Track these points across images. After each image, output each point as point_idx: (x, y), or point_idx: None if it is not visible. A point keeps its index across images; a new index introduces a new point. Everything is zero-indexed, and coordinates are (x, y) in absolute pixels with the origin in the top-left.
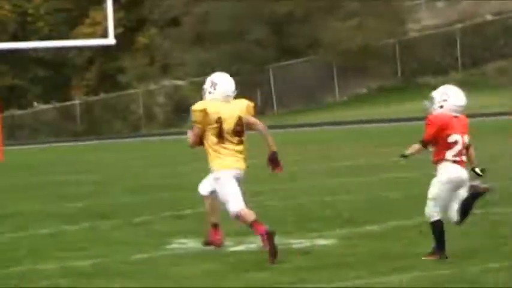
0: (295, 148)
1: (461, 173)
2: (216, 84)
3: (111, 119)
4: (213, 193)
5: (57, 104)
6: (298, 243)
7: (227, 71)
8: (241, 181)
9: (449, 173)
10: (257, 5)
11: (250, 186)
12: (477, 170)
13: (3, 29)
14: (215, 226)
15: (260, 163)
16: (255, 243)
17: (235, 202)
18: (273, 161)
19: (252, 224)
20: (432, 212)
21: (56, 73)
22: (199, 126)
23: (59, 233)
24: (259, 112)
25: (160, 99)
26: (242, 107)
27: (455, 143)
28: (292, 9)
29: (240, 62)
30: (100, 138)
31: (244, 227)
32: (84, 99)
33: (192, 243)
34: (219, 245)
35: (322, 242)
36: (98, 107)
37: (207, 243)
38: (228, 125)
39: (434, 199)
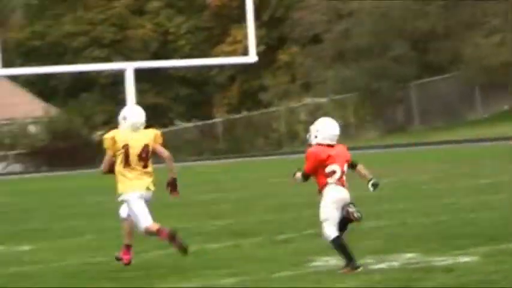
0: (438, 165)
1: (343, 193)
2: (126, 117)
3: (252, 137)
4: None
5: (199, 123)
6: (441, 260)
7: (368, 88)
8: (148, 200)
9: (332, 195)
10: (399, 22)
11: (394, 205)
12: (370, 183)
13: (145, 48)
14: (128, 247)
15: (397, 182)
16: (396, 261)
17: (144, 220)
18: (172, 185)
19: (157, 232)
20: (329, 232)
21: (198, 91)
22: (109, 152)
23: (201, 251)
24: (399, 129)
25: (302, 116)
26: (150, 136)
27: (334, 172)
28: (433, 26)
29: (381, 78)
30: (241, 156)
31: (382, 245)
32: (226, 117)
33: (334, 261)
34: (126, 263)
35: (465, 259)
36: (240, 125)
37: (117, 258)
38: (134, 151)
39: (326, 220)
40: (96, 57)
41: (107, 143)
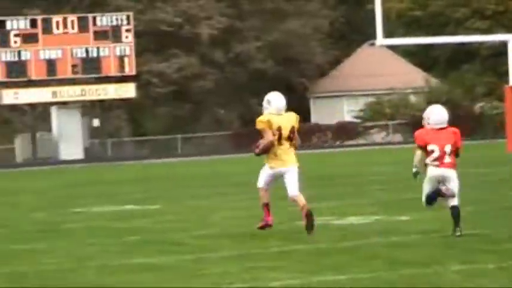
0: None
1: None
2: (269, 101)
3: None
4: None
5: None
6: None
7: None
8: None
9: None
10: None
11: None
12: None
13: None
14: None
15: None
16: None
17: (292, 190)
18: None
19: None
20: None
21: None
22: (269, 133)
23: None
24: None
25: None
26: (294, 119)
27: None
28: None
29: None
30: None
31: None
32: None
33: None
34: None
35: None
36: None
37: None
38: (285, 132)
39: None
40: (478, 28)
41: (263, 125)
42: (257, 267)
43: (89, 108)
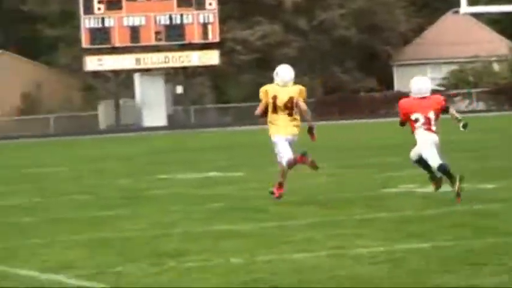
0: None
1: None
2: (277, 73)
3: None
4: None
5: None
6: None
7: None
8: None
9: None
10: None
11: None
12: (461, 124)
13: None
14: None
15: None
16: None
17: (285, 157)
18: (310, 132)
19: (299, 160)
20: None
21: None
22: (263, 101)
23: None
24: None
25: None
26: (296, 90)
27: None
28: None
29: None
30: None
31: None
32: None
33: None
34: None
35: None
36: None
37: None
38: (281, 101)
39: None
40: None
41: (261, 94)
42: (341, 234)
43: (172, 75)
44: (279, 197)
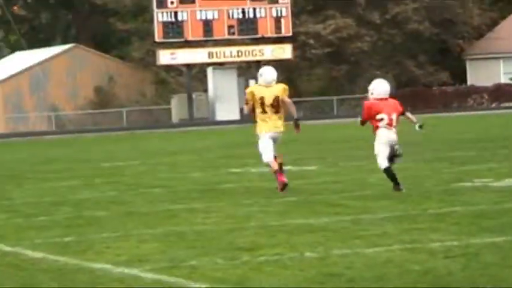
0: None
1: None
2: (261, 75)
3: None
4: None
5: None
6: None
7: None
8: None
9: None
10: None
11: None
12: (417, 126)
13: None
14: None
15: None
16: None
17: (266, 155)
18: (295, 124)
19: (275, 173)
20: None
21: None
22: (250, 102)
23: None
24: None
25: None
26: (279, 89)
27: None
28: None
29: None
30: None
31: None
32: None
33: None
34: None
35: None
36: None
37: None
38: (268, 101)
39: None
40: None
41: (247, 96)
42: (416, 228)
43: (244, 69)
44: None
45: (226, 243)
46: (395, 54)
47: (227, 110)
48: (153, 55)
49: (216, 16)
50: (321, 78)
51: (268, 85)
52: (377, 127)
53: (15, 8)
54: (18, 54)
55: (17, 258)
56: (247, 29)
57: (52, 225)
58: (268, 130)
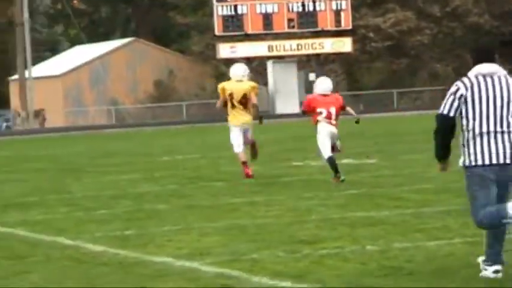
0: None
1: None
2: (230, 71)
3: None
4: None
5: None
6: None
7: None
8: (246, 132)
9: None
10: None
11: None
12: (355, 120)
13: None
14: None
15: None
16: None
17: (236, 147)
18: (260, 120)
19: (242, 164)
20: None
21: None
22: (221, 97)
23: None
24: None
25: None
26: (248, 87)
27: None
28: None
29: None
30: None
31: None
32: None
33: None
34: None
35: None
36: None
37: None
38: (236, 97)
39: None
40: None
41: (219, 91)
42: None
43: (304, 62)
44: (251, 176)
45: (287, 236)
46: (455, 47)
47: (287, 103)
48: (213, 49)
49: (275, 9)
50: (381, 72)
51: (239, 80)
52: (317, 121)
53: (74, 2)
54: (77, 48)
55: (77, 251)
56: (307, 22)
57: (112, 219)
58: (237, 123)
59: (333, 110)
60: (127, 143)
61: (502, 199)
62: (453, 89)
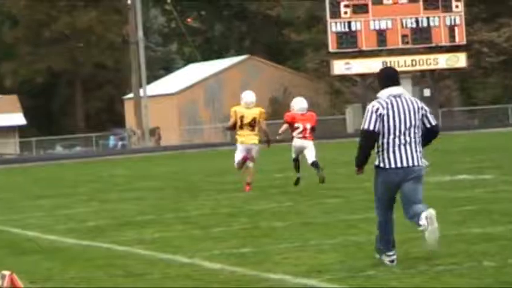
0: None
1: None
2: (242, 98)
3: None
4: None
5: None
6: None
7: None
8: (251, 150)
9: (294, 144)
10: None
11: None
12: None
13: None
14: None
15: None
16: None
17: (236, 162)
18: (267, 142)
19: (245, 182)
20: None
21: None
22: (232, 119)
23: None
24: None
25: None
26: (257, 112)
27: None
28: None
29: None
30: None
31: None
32: None
33: None
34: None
35: None
36: None
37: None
38: (246, 120)
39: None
40: None
41: (231, 113)
42: None
43: (419, 78)
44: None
45: (403, 252)
46: None
47: None
48: (327, 65)
49: (389, 25)
50: (495, 87)
51: (247, 107)
52: (292, 137)
53: (189, 20)
54: (192, 66)
55: (194, 269)
56: (421, 38)
57: (229, 237)
58: (242, 143)
59: (308, 126)
60: None
61: (415, 191)
62: (373, 108)
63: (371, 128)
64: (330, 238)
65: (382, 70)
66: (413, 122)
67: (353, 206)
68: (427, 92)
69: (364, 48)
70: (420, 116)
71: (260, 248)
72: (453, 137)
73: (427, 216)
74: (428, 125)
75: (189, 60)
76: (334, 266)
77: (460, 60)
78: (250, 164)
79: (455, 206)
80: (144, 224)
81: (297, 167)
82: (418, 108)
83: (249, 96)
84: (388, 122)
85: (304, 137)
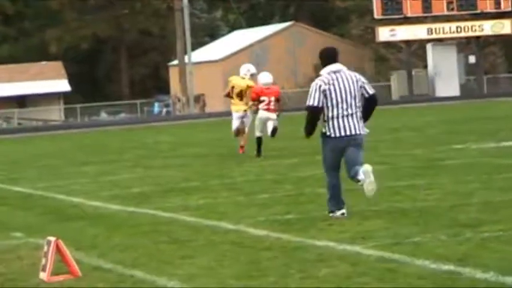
0: None
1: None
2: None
3: None
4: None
5: None
6: None
7: None
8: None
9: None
10: None
11: None
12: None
13: None
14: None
15: None
16: None
17: (234, 129)
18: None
19: (240, 146)
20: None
21: None
22: (228, 87)
23: None
24: None
25: None
26: (245, 84)
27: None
28: None
29: None
30: None
31: None
32: None
33: None
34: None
35: None
36: None
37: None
38: (236, 90)
39: (256, 128)
40: None
41: (228, 83)
42: None
43: (464, 44)
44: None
45: (449, 219)
46: None
47: (447, 86)
48: (372, 32)
49: None
50: None
51: (242, 77)
52: (258, 108)
53: None
54: (237, 33)
55: (239, 236)
56: (466, 5)
57: (273, 203)
58: (235, 111)
59: (272, 99)
60: (287, 127)
61: (356, 155)
62: (316, 86)
63: (315, 103)
64: (374, 205)
65: (322, 51)
66: (353, 93)
67: (398, 173)
68: (472, 59)
69: (409, 14)
70: (358, 87)
71: (305, 215)
72: (498, 103)
73: (364, 171)
74: (366, 95)
75: (233, 27)
76: (378, 232)
77: (505, 27)
78: (245, 128)
79: (500, 172)
80: (189, 190)
81: (259, 145)
82: (357, 80)
83: (243, 68)
84: (331, 95)
85: (269, 109)
